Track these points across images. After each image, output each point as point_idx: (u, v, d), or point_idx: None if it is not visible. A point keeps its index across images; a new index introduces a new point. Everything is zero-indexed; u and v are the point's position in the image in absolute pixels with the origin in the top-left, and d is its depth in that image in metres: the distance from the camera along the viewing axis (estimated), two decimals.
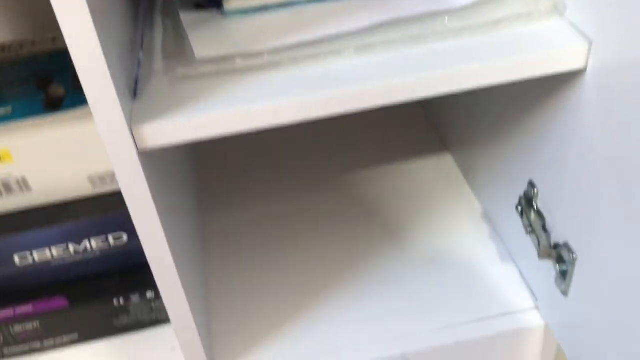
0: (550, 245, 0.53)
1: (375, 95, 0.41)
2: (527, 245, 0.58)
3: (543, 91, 0.50)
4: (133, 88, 0.41)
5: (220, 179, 0.79)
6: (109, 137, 0.39)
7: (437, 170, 0.76)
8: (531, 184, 0.55)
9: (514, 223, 0.61)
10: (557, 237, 0.52)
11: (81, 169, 0.55)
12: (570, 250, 0.50)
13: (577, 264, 0.49)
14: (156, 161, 0.45)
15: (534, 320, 0.58)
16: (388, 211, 0.71)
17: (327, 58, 0.43)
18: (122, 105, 0.38)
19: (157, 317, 0.60)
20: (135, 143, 0.39)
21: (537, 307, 0.59)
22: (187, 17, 0.47)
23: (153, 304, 0.59)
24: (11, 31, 0.74)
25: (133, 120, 0.39)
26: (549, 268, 0.55)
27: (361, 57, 0.43)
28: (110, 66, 0.36)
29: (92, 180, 0.56)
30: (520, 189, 0.58)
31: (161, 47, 0.44)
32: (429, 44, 0.44)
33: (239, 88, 0.41)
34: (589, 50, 0.42)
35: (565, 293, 0.52)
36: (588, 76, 0.43)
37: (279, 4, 0.48)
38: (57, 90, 0.57)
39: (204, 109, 0.40)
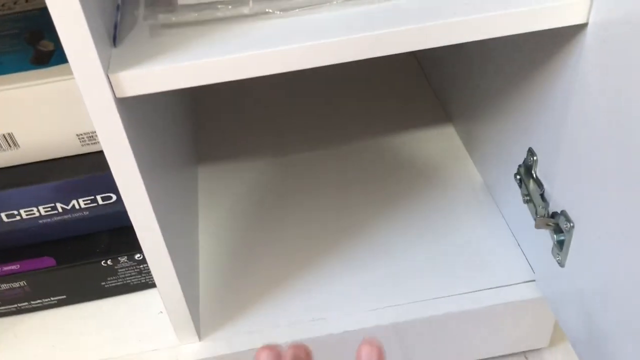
0: (547, 214, 0.51)
1: (366, 46, 0.39)
2: (525, 216, 0.57)
3: (542, 51, 0.48)
4: (112, 35, 0.40)
5: (218, 131, 0.78)
6: (85, 84, 0.37)
7: (439, 141, 0.74)
8: (530, 152, 0.53)
9: (513, 193, 0.59)
10: (555, 206, 0.50)
11: (69, 126, 0.54)
12: (567, 219, 0.48)
13: (574, 232, 0.47)
14: (138, 110, 0.44)
15: (531, 292, 0.57)
16: (387, 180, 0.70)
17: (315, 7, 0.41)
18: (98, 51, 0.36)
19: (146, 280, 0.59)
20: (113, 91, 0.38)
21: (534, 280, 0.57)
22: None
23: (142, 267, 0.58)
24: None
25: (110, 67, 0.38)
26: (547, 239, 0.53)
27: (352, 7, 0.41)
28: (86, 10, 0.35)
29: (80, 138, 0.55)
30: (519, 158, 0.56)
31: None
32: None
33: (222, 37, 0.40)
34: (591, 4, 0.40)
35: (561, 264, 0.50)
36: (589, 32, 0.41)
37: None
38: (47, 45, 0.56)
39: (185, 58, 0.38)
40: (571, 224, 0.47)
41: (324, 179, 0.71)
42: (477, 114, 0.66)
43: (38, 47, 0.56)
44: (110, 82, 0.38)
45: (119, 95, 0.38)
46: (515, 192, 0.58)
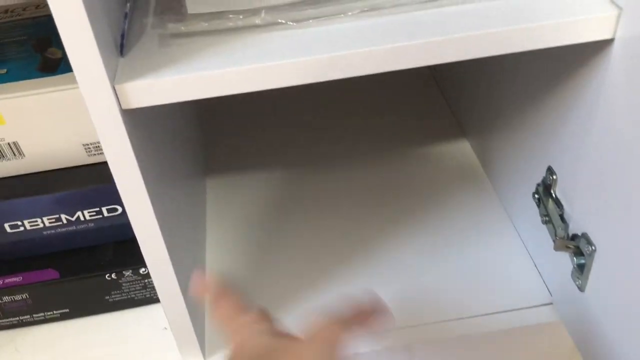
0: (567, 236, 0.49)
1: (381, 59, 0.38)
2: (543, 236, 0.55)
3: (564, 66, 0.46)
4: (119, 44, 0.38)
5: (226, 141, 0.77)
6: (90, 94, 0.36)
7: (453, 156, 0.73)
8: (550, 171, 0.51)
9: (531, 213, 0.57)
10: (575, 227, 0.48)
11: (75, 135, 0.53)
12: (589, 242, 0.46)
13: (596, 256, 0.45)
14: (144, 121, 0.42)
15: (548, 316, 0.55)
16: (399, 195, 0.68)
17: (330, 18, 0.40)
18: (104, 61, 0.35)
19: (150, 295, 0.58)
20: (119, 102, 0.37)
21: (551, 302, 0.55)
22: None
23: (146, 281, 0.57)
24: None
25: (117, 77, 0.37)
26: (565, 261, 0.51)
27: (367, 18, 0.40)
28: (92, 18, 0.34)
29: (87, 148, 0.54)
30: (538, 176, 0.54)
31: (153, 1, 0.41)
32: (441, 6, 0.40)
33: (233, 47, 0.38)
34: (618, 18, 0.38)
35: (582, 288, 0.48)
36: (615, 48, 0.39)
37: None
38: (54, 52, 0.55)
39: (194, 69, 0.37)
40: (593, 248, 0.45)
41: (335, 193, 0.69)
42: (492, 129, 0.65)
43: (46, 55, 0.54)
44: (116, 93, 0.36)
45: (124, 106, 0.37)
46: (533, 211, 0.56)
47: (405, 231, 0.64)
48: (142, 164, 0.40)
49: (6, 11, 0.62)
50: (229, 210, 0.68)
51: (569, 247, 0.49)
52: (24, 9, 0.63)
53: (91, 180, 0.54)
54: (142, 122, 0.41)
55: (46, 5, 0.63)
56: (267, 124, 0.80)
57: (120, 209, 0.55)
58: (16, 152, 0.53)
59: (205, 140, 0.78)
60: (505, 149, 0.62)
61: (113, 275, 0.56)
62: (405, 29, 0.38)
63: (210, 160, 0.75)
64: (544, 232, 0.54)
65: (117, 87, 0.36)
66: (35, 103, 0.50)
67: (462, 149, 0.73)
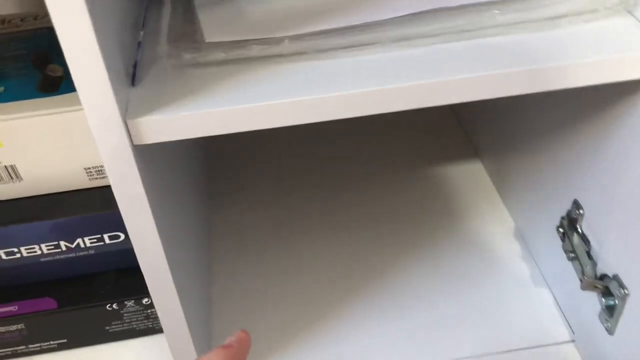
0: (595, 276, 0.47)
1: (411, 97, 0.35)
2: (565, 271, 0.52)
3: (599, 99, 0.44)
4: (131, 74, 0.36)
5: (233, 173, 0.73)
6: (99, 129, 0.33)
7: (465, 177, 0.70)
8: (576, 204, 0.49)
9: (552, 245, 0.54)
10: (604, 267, 0.46)
11: (77, 158, 0.50)
12: (621, 285, 0.44)
13: (629, 300, 0.43)
14: (155, 156, 0.40)
15: (569, 355, 0.52)
16: (409, 222, 0.65)
17: (357, 50, 0.37)
18: (115, 93, 0.32)
19: (153, 325, 0.55)
20: (130, 138, 0.34)
21: (573, 340, 0.53)
22: None
23: (149, 311, 0.54)
24: (15, 3, 0.69)
25: (129, 111, 0.34)
26: (590, 299, 0.48)
27: (397, 50, 0.37)
28: (103, 46, 0.31)
29: (88, 171, 0.51)
30: (562, 208, 0.52)
31: (167, 26, 0.39)
32: (475, 39, 0.38)
33: (254, 80, 0.36)
34: None
35: (611, 331, 0.46)
36: None
37: None
38: (55, 70, 0.52)
39: (212, 103, 0.34)
40: (625, 292, 0.43)
41: (342, 220, 0.66)
42: (510, 151, 0.62)
43: (46, 72, 0.51)
44: (127, 129, 0.34)
45: (137, 142, 0.34)
46: (554, 243, 0.53)
47: (417, 260, 0.61)
48: (151, 199, 0.37)
49: (3, 22, 0.59)
50: (234, 243, 0.65)
51: (597, 287, 0.46)
52: (22, 20, 0.59)
53: (93, 205, 0.51)
54: (153, 157, 0.39)
55: (46, 16, 0.60)
56: (269, 149, 0.77)
57: (122, 236, 0.52)
58: (13, 176, 0.50)
59: (210, 165, 0.75)
60: (524, 174, 0.60)
61: (114, 306, 0.53)
62: (438, 63, 0.36)
63: (214, 191, 0.72)
64: (566, 266, 0.51)
65: (129, 122, 0.33)
66: (35, 125, 0.48)
67: (474, 170, 0.71)
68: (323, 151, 0.75)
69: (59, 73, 0.51)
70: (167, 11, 0.42)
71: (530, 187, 0.59)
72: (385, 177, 0.70)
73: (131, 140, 0.34)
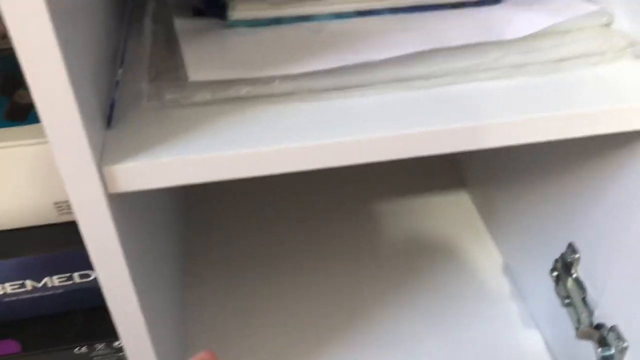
0: (591, 324, 0.45)
1: (405, 145, 0.33)
2: (556, 312, 0.50)
3: (600, 146, 0.42)
4: (107, 114, 0.33)
5: (211, 214, 0.70)
6: (70, 176, 0.30)
7: (451, 208, 0.68)
8: (571, 248, 0.47)
9: (543, 285, 0.53)
10: (602, 315, 0.44)
11: (47, 192, 0.47)
12: (619, 337, 0.42)
13: (628, 353, 0.41)
14: (131, 203, 0.37)
15: None
16: (396, 255, 0.63)
17: (350, 91, 0.35)
18: (89, 137, 0.29)
19: None
20: (105, 186, 0.31)
21: None
22: (182, 25, 0.39)
23: (121, 354, 0.50)
24: None
25: (103, 157, 0.31)
26: (586, 346, 0.47)
27: (390, 93, 0.35)
28: (76, 85, 0.28)
29: (58, 206, 0.47)
30: (556, 250, 0.50)
31: (148, 62, 0.36)
32: (475, 82, 0.36)
33: (240, 122, 0.33)
34: None
35: None
36: None
37: (295, 16, 0.39)
38: (24, 96, 0.48)
39: (195, 148, 0.31)
40: (624, 344, 0.41)
41: (325, 256, 0.63)
42: (500, 184, 0.60)
43: (14, 98, 0.48)
44: (102, 176, 0.31)
45: (112, 190, 0.31)
46: (546, 285, 0.52)
47: (400, 297, 0.59)
48: (126, 249, 0.34)
49: None
50: (210, 292, 0.61)
51: (593, 337, 0.45)
52: None
53: (62, 243, 0.48)
54: (129, 204, 0.36)
55: None
56: (247, 188, 0.74)
57: (93, 275, 0.49)
58: None
59: (187, 203, 0.71)
60: (514, 210, 0.58)
61: (83, 349, 0.49)
62: (434, 108, 0.34)
63: (191, 237, 0.68)
64: (558, 309, 0.50)
65: (104, 168, 0.31)
66: (1, 157, 0.44)
67: (460, 201, 0.69)
68: (304, 184, 0.72)
69: (28, 99, 0.48)
70: (147, 40, 0.39)
71: (520, 225, 0.57)
72: (371, 210, 0.68)
73: (106, 189, 0.31)
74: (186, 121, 0.33)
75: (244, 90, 0.33)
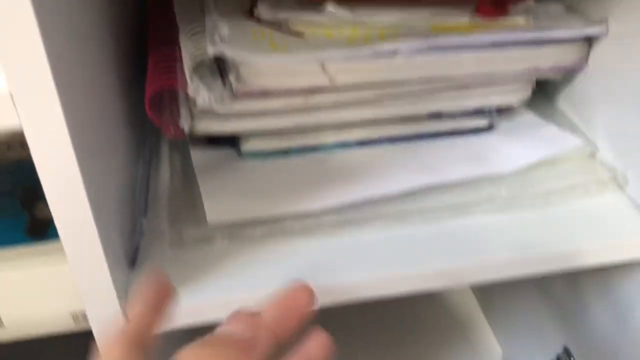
0: None
1: (407, 283, 0.36)
2: None
3: (593, 274, 0.44)
4: (131, 255, 0.35)
5: None
6: (96, 317, 0.33)
7: (448, 297, 0.70)
8: (566, 352, 0.49)
9: None
10: None
11: (63, 304, 0.48)
12: None
13: None
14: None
15: None
16: (397, 344, 0.65)
17: (353, 226, 0.37)
18: (114, 279, 0.32)
19: None
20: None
21: None
22: (198, 158, 0.42)
23: None
24: None
25: (129, 298, 0.33)
26: None
27: (397, 228, 0.37)
28: (101, 226, 0.30)
29: (74, 316, 0.49)
30: (553, 349, 0.52)
31: (167, 199, 0.38)
32: (470, 216, 0.38)
33: (260, 260, 0.35)
34: None
35: None
36: None
37: (302, 148, 0.42)
38: (44, 210, 0.51)
39: (214, 289, 0.34)
40: None
41: None
42: (501, 286, 0.63)
43: (33, 212, 0.50)
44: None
45: None
46: None
47: None
48: None
49: None
50: None
51: None
52: (9, 147, 0.59)
53: (78, 352, 0.49)
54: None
55: None
56: None
57: None
58: None
59: None
60: (514, 304, 0.60)
61: None
62: (439, 245, 0.36)
63: None
64: None
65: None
66: (22, 275, 0.46)
67: (463, 294, 0.71)
68: None
69: (48, 214, 0.50)
70: (165, 172, 0.41)
71: (518, 319, 0.59)
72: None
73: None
74: (204, 259, 0.35)
75: (258, 232, 0.36)
